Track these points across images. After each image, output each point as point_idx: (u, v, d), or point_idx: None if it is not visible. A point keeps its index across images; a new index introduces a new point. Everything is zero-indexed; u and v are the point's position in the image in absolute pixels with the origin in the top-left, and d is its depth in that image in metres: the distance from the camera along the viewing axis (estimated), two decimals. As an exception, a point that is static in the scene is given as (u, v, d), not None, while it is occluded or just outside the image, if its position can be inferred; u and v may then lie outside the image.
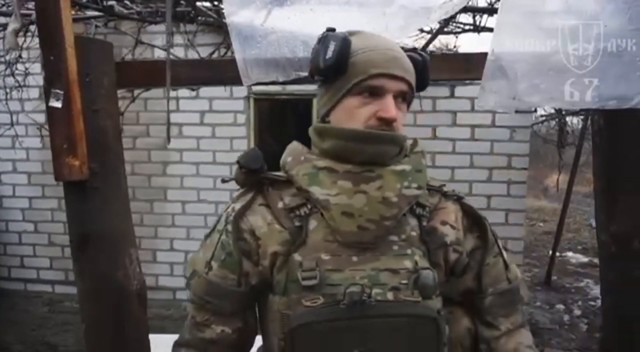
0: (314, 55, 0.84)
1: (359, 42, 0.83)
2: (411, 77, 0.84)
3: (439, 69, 1.25)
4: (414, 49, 0.91)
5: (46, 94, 1.10)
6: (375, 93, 0.81)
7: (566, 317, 4.53)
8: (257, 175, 0.86)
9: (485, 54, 1.20)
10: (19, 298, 3.82)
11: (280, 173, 0.88)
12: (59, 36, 1.08)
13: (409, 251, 0.83)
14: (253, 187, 0.89)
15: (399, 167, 0.82)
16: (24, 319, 3.80)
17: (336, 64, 0.80)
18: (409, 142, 0.90)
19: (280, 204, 0.85)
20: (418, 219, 0.86)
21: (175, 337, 0.94)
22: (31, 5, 1.77)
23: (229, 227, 0.86)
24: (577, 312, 4.67)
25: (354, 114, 0.82)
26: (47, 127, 1.13)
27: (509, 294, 0.93)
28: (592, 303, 4.87)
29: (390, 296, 0.80)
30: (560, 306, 4.81)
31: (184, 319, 0.95)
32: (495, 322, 0.92)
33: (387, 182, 0.80)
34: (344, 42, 0.80)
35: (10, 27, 1.10)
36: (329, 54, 0.80)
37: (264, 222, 0.85)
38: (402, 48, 0.88)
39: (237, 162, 0.87)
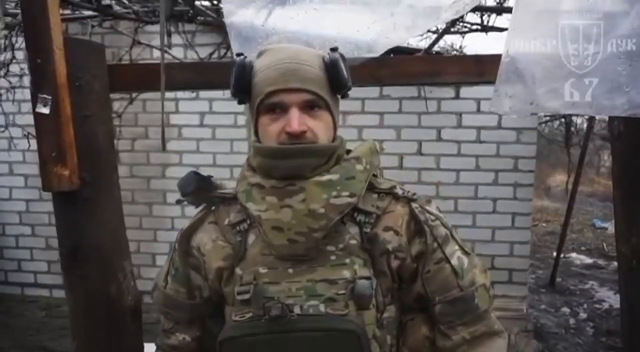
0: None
1: (263, 60, 0.85)
2: (313, 84, 0.82)
3: (450, 72, 1.19)
4: (334, 49, 0.87)
5: (33, 100, 1.04)
6: (281, 108, 0.82)
7: (572, 321, 4.46)
8: (205, 196, 0.92)
9: (498, 56, 1.13)
10: (15, 302, 3.77)
11: (231, 190, 0.92)
12: (46, 37, 1.02)
13: (347, 261, 0.84)
14: (206, 206, 0.95)
15: (325, 178, 0.82)
16: (21, 324, 3.74)
17: (237, 90, 0.85)
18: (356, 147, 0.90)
19: (226, 221, 0.91)
20: (360, 227, 0.86)
21: None
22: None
23: (176, 246, 0.94)
24: (583, 315, 4.60)
25: (266, 132, 0.84)
26: (34, 134, 1.07)
27: (460, 302, 0.88)
28: (598, 306, 4.80)
29: (322, 307, 0.82)
30: (566, 309, 4.74)
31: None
32: (450, 332, 0.89)
33: (311, 194, 0.81)
34: (240, 68, 0.84)
35: (-7, 28, 1.03)
36: (232, 80, 0.85)
37: (209, 239, 0.91)
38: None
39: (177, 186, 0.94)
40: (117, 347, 1.17)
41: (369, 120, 3.18)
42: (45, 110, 1.03)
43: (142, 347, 1.22)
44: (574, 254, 6.87)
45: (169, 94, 3.49)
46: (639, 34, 0.98)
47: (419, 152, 3.24)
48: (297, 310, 0.82)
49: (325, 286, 0.83)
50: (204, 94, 3.36)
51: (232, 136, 3.43)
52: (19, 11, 1.81)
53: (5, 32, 1.05)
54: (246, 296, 0.82)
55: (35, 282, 3.76)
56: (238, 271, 0.86)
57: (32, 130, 3.29)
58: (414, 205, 0.89)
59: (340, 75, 0.84)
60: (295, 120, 0.80)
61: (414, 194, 0.91)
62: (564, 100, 0.99)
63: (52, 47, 1.02)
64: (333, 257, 0.84)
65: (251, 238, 0.87)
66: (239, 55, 0.87)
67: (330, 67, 0.84)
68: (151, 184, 3.53)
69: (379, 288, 0.86)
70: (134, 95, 2.97)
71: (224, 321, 0.94)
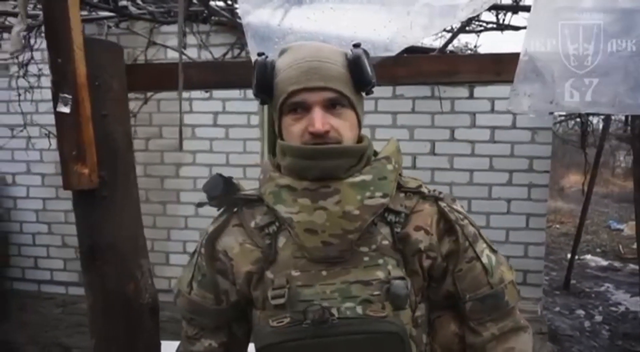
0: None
1: (285, 60, 0.83)
2: (336, 82, 0.81)
3: (468, 71, 1.18)
4: (357, 46, 0.85)
5: (54, 99, 1.05)
6: (303, 108, 0.80)
7: (587, 324, 4.41)
8: (223, 199, 0.90)
9: (516, 55, 1.12)
10: (32, 299, 3.82)
11: (254, 191, 0.91)
12: (67, 37, 1.03)
13: (380, 261, 0.83)
14: (228, 208, 0.92)
15: (358, 179, 0.81)
16: (37, 320, 3.80)
17: (260, 90, 0.84)
18: (383, 146, 0.89)
19: (252, 223, 0.88)
20: (391, 227, 0.85)
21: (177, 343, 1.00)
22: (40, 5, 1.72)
23: (203, 250, 0.91)
24: (598, 318, 4.53)
25: (290, 132, 0.83)
26: (55, 132, 1.08)
27: (490, 299, 0.89)
28: (614, 309, 4.73)
29: (359, 309, 0.81)
30: (581, 312, 4.68)
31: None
32: (480, 328, 0.90)
33: (346, 196, 0.80)
34: (262, 68, 0.83)
35: (16, 29, 1.05)
36: (254, 81, 0.83)
37: (236, 242, 0.89)
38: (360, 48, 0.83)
39: (203, 189, 0.91)
40: (135, 345, 1.18)
41: (382, 119, 3.17)
42: (66, 110, 1.05)
43: (159, 345, 1.23)
44: (588, 256, 6.77)
45: (183, 94, 3.51)
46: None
47: (432, 152, 3.22)
48: (334, 313, 0.80)
49: (359, 288, 0.82)
50: (217, 93, 3.38)
51: (245, 136, 3.45)
52: (37, 13, 1.84)
53: (25, 33, 1.07)
54: (281, 301, 0.80)
55: (52, 279, 3.81)
56: (269, 274, 0.84)
57: (51, 130, 3.34)
58: (442, 204, 0.90)
59: (364, 72, 0.82)
60: (319, 119, 0.78)
61: (440, 192, 0.91)
62: (584, 99, 0.98)
63: (72, 48, 1.04)
64: (366, 258, 0.83)
65: (281, 241, 0.85)
66: (260, 54, 0.85)
67: (354, 64, 0.82)
68: (165, 183, 3.57)
69: (412, 287, 0.86)
70: (148, 95, 2.99)
71: (248, 326, 0.95)
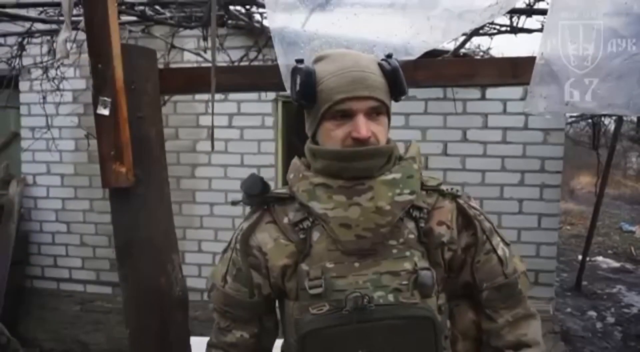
0: (290, 88, 0.92)
1: (325, 67, 0.89)
2: (379, 92, 0.87)
3: (486, 74, 1.23)
4: (389, 56, 0.92)
5: (94, 102, 1.11)
6: (346, 115, 0.86)
7: (599, 325, 4.40)
8: (261, 196, 0.95)
9: (533, 58, 1.16)
10: (51, 297, 3.92)
11: (284, 190, 0.97)
12: (107, 44, 1.09)
13: (407, 253, 0.90)
14: (260, 206, 0.98)
15: (389, 177, 0.88)
16: (56, 318, 3.89)
17: (303, 96, 0.88)
18: (402, 147, 0.96)
19: (285, 220, 0.94)
20: (415, 222, 0.91)
21: (206, 339, 1.05)
22: (75, 12, 1.79)
23: (238, 246, 0.96)
24: (611, 319, 4.53)
25: (331, 137, 0.88)
26: (94, 134, 1.14)
27: (505, 288, 0.97)
28: (626, 310, 4.72)
29: (391, 297, 0.87)
30: (592, 313, 4.68)
31: (211, 320, 1.06)
32: (495, 315, 0.98)
33: (379, 192, 0.86)
34: (307, 76, 0.87)
35: (62, 36, 1.11)
36: (298, 87, 0.88)
37: (270, 238, 0.94)
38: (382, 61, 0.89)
39: (241, 187, 0.96)
40: (166, 336, 1.23)
41: (394, 121, 3.15)
42: (106, 112, 1.11)
43: (189, 336, 1.29)
44: (600, 258, 6.74)
45: (199, 96, 3.59)
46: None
47: (445, 153, 3.26)
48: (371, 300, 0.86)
49: (389, 278, 0.88)
50: (232, 95, 3.44)
51: (259, 137, 3.51)
52: (74, 19, 1.90)
53: (68, 35, 1.13)
54: (319, 290, 0.86)
55: (70, 277, 3.90)
56: (304, 266, 0.90)
57: (67, 133, 3.41)
58: (460, 201, 0.97)
59: (402, 83, 0.90)
60: (364, 127, 0.85)
61: (457, 190, 0.98)
62: (599, 101, 1.02)
63: (112, 53, 1.09)
64: (395, 251, 0.90)
65: (315, 235, 0.90)
66: (298, 61, 0.91)
67: (392, 75, 0.89)
68: (181, 183, 3.64)
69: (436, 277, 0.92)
70: (166, 97, 3.06)
71: (277, 318, 1.03)
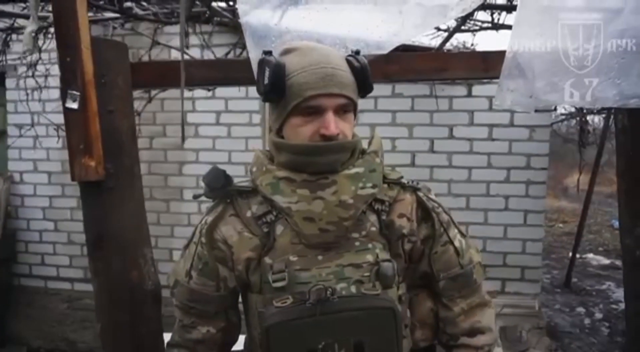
0: (256, 80, 0.90)
1: (295, 61, 0.87)
2: (348, 89, 0.87)
3: (457, 68, 1.23)
4: (357, 53, 0.92)
5: (62, 95, 1.11)
6: (315, 111, 0.86)
7: (587, 321, 4.43)
8: (223, 190, 0.95)
9: (504, 53, 1.17)
10: (39, 295, 3.90)
11: (247, 183, 0.96)
12: (75, 37, 1.09)
13: (370, 246, 0.92)
14: (223, 199, 0.97)
15: (352, 171, 0.89)
16: (44, 316, 3.87)
17: (272, 90, 0.86)
18: (365, 142, 0.95)
19: (248, 213, 0.94)
20: (377, 214, 0.93)
21: None
22: (50, 7, 1.79)
23: (203, 239, 0.96)
24: (599, 315, 4.56)
25: (298, 132, 0.88)
26: (63, 128, 1.14)
27: (461, 278, 1.00)
28: (614, 307, 4.75)
29: (353, 289, 0.89)
30: (581, 309, 4.71)
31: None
32: (451, 304, 1.01)
33: (342, 187, 0.87)
34: (277, 69, 0.85)
35: (28, 29, 1.11)
36: (266, 80, 0.86)
37: (235, 231, 0.94)
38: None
39: (203, 180, 0.96)
40: (138, 330, 1.23)
41: (381, 118, 3.22)
42: (74, 106, 1.10)
43: (162, 331, 1.29)
44: (590, 255, 6.78)
45: (186, 93, 3.58)
46: (633, 29, 1.01)
47: (431, 150, 3.27)
48: (333, 292, 0.88)
49: (352, 270, 0.90)
50: (220, 93, 3.44)
51: (247, 134, 3.51)
52: (46, 14, 1.90)
53: (34, 34, 1.12)
54: (283, 283, 0.87)
55: (58, 275, 3.89)
56: (267, 260, 0.91)
57: (54, 130, 3.39)
58: (420, 194, 0.99)
59: (369, 80, 0.90)
60: (333, 124, 0.85)
61: (417, 183, 0.99)
62: (562, 94, 1.03)
63: (80, 47, 1.09)
64: (357, 244, 0.91)
65: (279, 229, 0.91)
66: (266, 53, 0.88)
67: (361, 72, 0.89)
68: (169, 181, 3.63)
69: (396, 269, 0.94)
70: (152, 94, 3.06)
71: (239, 311, 1.03)
